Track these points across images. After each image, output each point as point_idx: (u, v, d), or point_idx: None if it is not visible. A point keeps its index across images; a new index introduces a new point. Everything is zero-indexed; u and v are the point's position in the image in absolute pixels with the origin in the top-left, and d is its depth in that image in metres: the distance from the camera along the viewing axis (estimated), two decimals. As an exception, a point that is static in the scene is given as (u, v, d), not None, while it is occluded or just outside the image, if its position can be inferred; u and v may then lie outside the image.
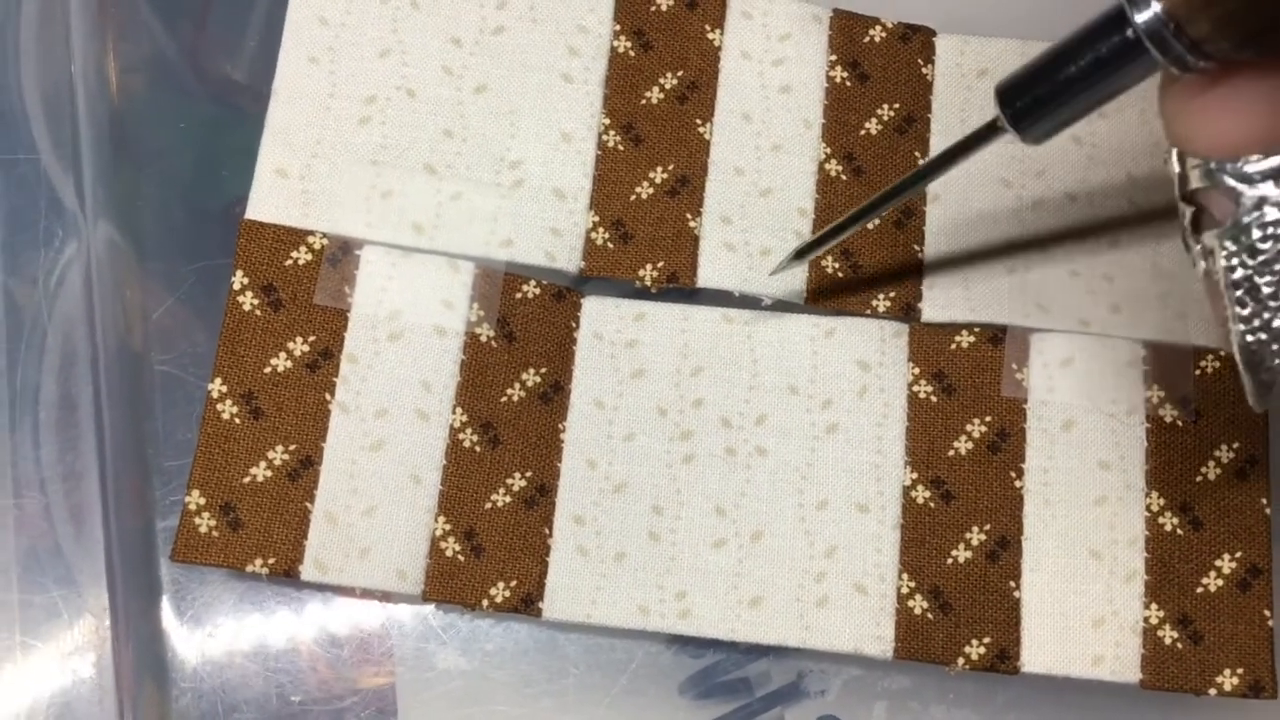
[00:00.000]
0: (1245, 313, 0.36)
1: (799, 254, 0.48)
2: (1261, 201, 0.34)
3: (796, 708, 0.50)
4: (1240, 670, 0.47)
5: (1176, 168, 0.36)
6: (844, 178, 0.52)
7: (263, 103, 0.51)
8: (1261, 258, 0.35)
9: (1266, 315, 0.36)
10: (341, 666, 0.50)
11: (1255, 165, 0.34)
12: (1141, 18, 0.34)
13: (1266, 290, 0.35)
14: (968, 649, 0.48)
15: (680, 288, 0.51)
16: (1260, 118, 0.33)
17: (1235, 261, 0.35)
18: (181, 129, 0.54)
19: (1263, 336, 0.36)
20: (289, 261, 0.49)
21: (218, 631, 0.50)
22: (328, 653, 0.50)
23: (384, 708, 0.49)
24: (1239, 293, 0.36)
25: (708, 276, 0.51)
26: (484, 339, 0.50)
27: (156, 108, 0.55)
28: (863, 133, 0.52)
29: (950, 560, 0.48)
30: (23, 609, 0.48)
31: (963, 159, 0.43)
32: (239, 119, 0.54)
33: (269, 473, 0.48)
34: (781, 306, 0.51)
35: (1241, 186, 0.34)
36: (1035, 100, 0.38)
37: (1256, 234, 0.35)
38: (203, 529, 0.47)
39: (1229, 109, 0.34)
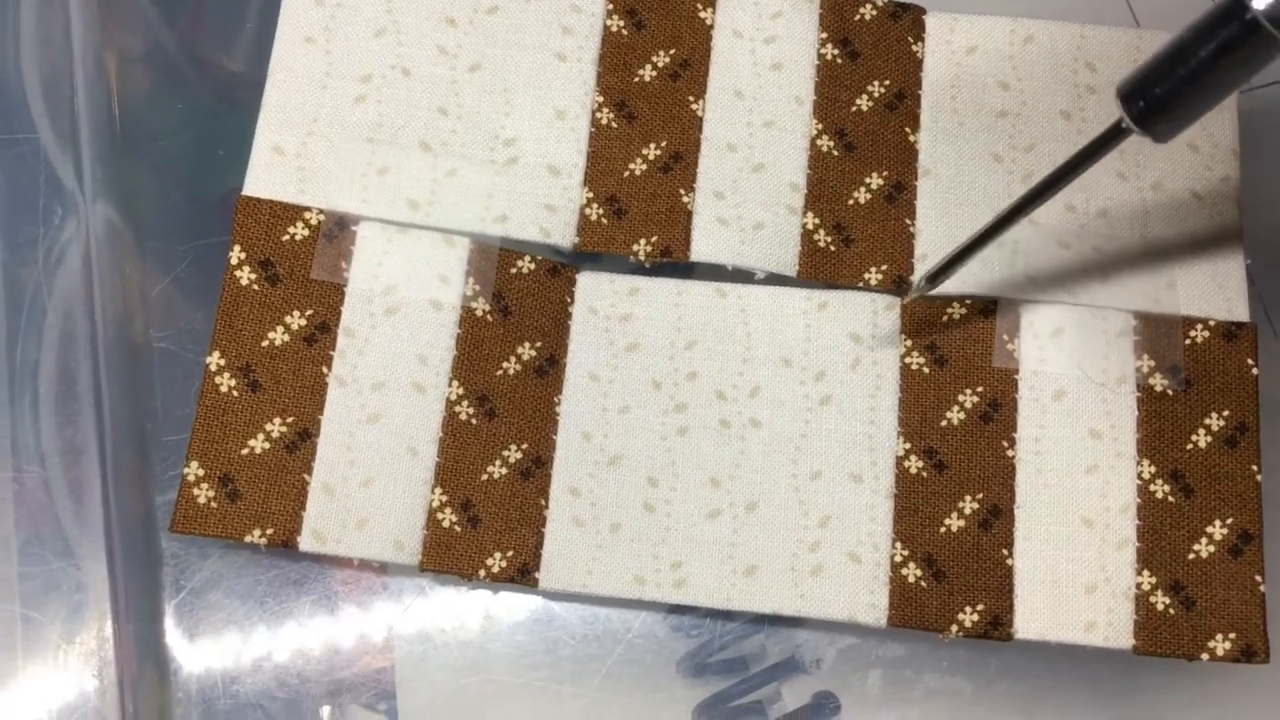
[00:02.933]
0: None
1: (932, 278, 0.48)
2: None
3: (793, 681, 0.51)
4: (1232, 635, 0.47)
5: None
6: (835, 153, 0.52)
7: (258, 90, 0.51)
8: None
9: None
10: (340, 638, 0.50)
11: None
12: (1260, 3, 0.35)
13: None
14: (961, 616, 0.48)
15: (674, 262, 0.51)
16: None
17: None
18: (180, 110, 0.55)
19: None
20: (286, 237, 0.50)
21: (216, 605, 0.50)
22: (326, 625, 0.50)
23: (383, 679, 0.50)
24: None
25: (701, 251, 0.51)
26: (479, 313, 0.50)
27: (154, 93, 0.55)
28: (854, 109, 0.53)
29: (943, 529, 0.49)
30: (22, 581, 0.48)
31: (1089, 165, 0.43)
32: (235, 106, 0.55)
33: (267, 445, 0.48)
34: (774, 280, 0.51)
35: None
36: (1158, 98, 0.39)
37: None
38: (201, 500, 0.47)
39: None
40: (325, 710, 0.49)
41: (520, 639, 0.50)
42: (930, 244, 0.51)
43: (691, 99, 0.53)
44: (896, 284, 0.51)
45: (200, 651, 0.50)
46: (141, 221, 0.53)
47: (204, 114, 0.55)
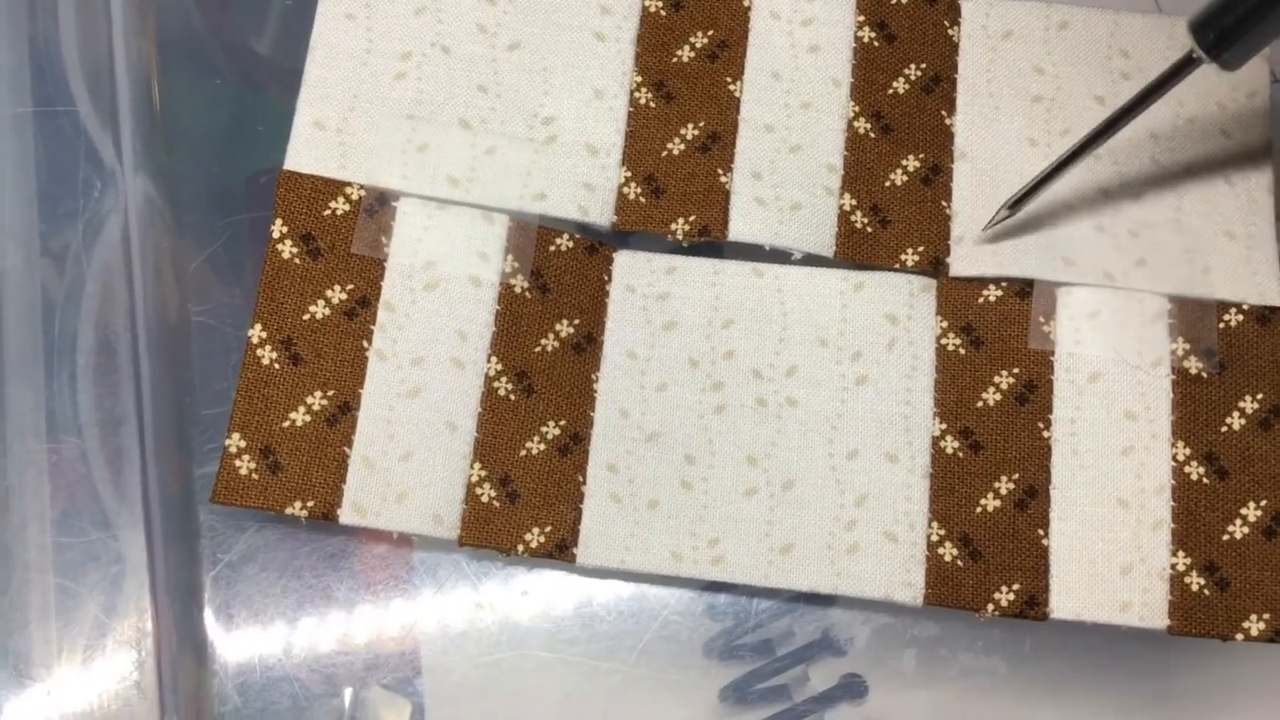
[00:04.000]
0: None
1: (1013, 205, 0.50)
2: None
3: (821, 663, 0.51)
4: (1267, 616, 0.48)
5: None
6: (872, 135, 0.53)
7: (296, 69, 0.52)
8: None
9: None
10: (374, 612, 0.50)
11: None
12: None
13: None
14: (997, 595, 0.48)
15: (711, 241, 0.51)
16: None
17: None
18: (218, 86, 0.55)
19: None
20: (327, 211, 0.50)
21: (252, 579, 0.50)
22: (361, 600, 0.50)
23: (416, 652, 0.50)
24: None
25: (739, 230, 0.51)
26: (518, 290, 0.50)
27: (193, 69, 0.55)
28: (890, 92, 0.53)
29: (979, 509, 0.49)
30: (60, 552, 0.48)
31: (1160, 94, 0.47)
32: (273, 83, 0.55)
33: (308, 418, 0.48)
34: (811, 260, 0.51)
35: None
36: (1228, 27, 0.43)
37: None
38: (243, 471, 0.47)
39: None
40: (348, 693, 0.49)
41: (558, 615, 0.50)
42: (966, 226, 0.52)
43: (729, 80, 0.53)
44: (933, 265, 0.51)
45: (236, 625, 0.50)
46: (179, 196, 0.53)
47: (241, 92, 0.55)
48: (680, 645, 0.50)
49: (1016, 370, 0.50)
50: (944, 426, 0.50)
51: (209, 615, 0.50)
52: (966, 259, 0.51)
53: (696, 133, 0.52)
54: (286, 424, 0.48)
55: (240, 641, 0.50)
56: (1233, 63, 0.44)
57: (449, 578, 0.51)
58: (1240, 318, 0.50)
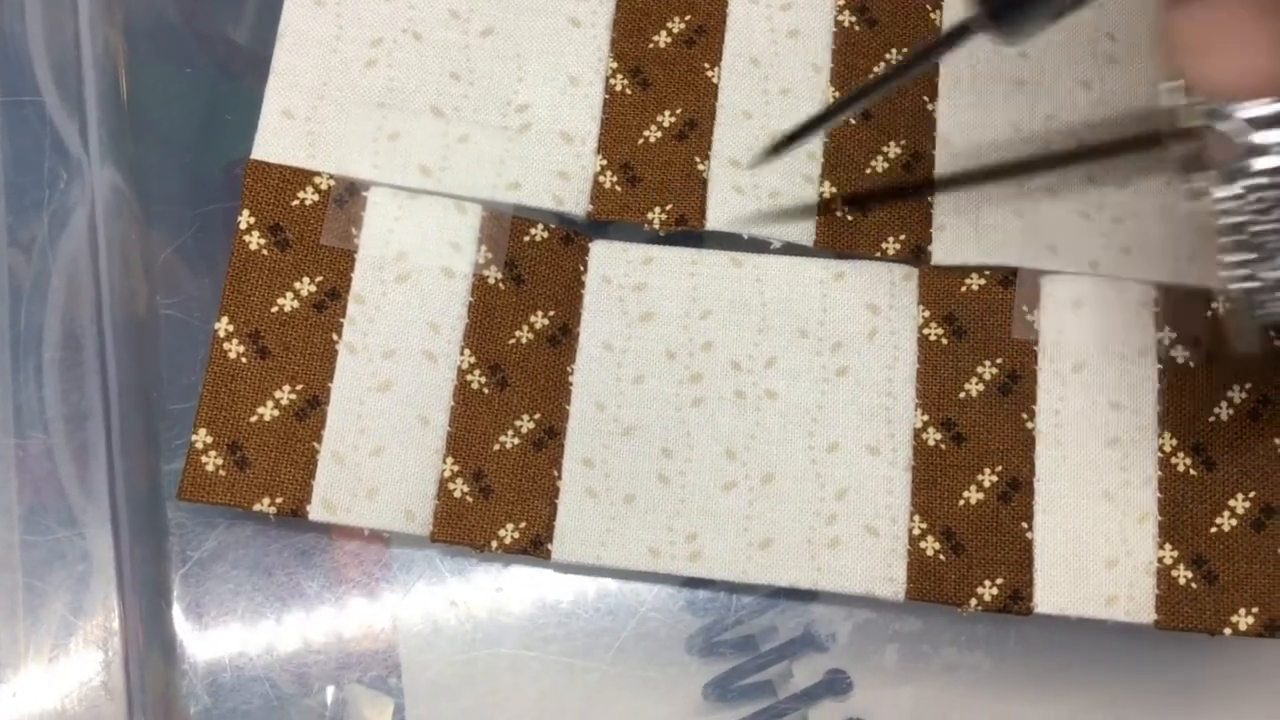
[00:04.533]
0: (1237, 259, 0.35)
1: (774, 149, 0.48)
2: (1263, 148, 0.33)
3: (805, 658, 0.50)
4: (1255, 610, 0.47)
5: (1175, 101, 0.35)
6: (852, 122, 0.52)
7: (265, 58, 0.51)
8: (1257, 205, 0.34)
9: (1257, 262, 0.35)
10: (347, 610, 0.49)
11: (1260, 109, 0.33)
12: None
13: (1258, 239, 0.34)
14: (980, 590, 0.47)
15: (689, 230, 0.50)
16: (1269, 59, 0.31)
17: (1230, 205, 0.34)
18: (187, 75, 0.54)
19: (1255, 284, 0.35)
20: (295, 202, 0.49)
21: (223, 577, 0.49)
22: (333, 598, 0.49)
23: (391, 652, 0.49)
24: (1232, 238, 0.35)
25: (716, 219, 0.50)
26: (492, 281, 0.49)
27: (161, 58, 0.54)
28: (871, 77, 0.52)
29: (962, 502, 0.48)
30: (25, 550, 0.47)
31: (934, 58, 0.45)
32: (243, 72, 0.54)
33: (276, 412, 0.47)
34: (790, 249, 0.51)
35: (1243, 129, 0.33)
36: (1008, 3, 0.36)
37: (1255, 180, 0.34)
38: (209, 467, 0.46)
39: (1243, 47, 0.31)
40: (330, 690, 0.49)
41: (532, 612, 0.50)
42: (948, 213, 0.51)
43: (707, 66, 0.52)
44: (914, 253, 0.50)
45: (206, 623, 0.49)
46: (147, 187, 0.52)
47: (211, 80, 0.54)
48: (659, 642, 0.50)
49: (1000, 360, 0.49)
50: (926, 418, 0.49)
51: (178, 614, 0.49)
52: (948, 247, 0.50)
53: (673, 120, 0.51)
54: (254, 419, 0.47)
55: (210, 641, 0.49)
56: (1014, 34, 0.37)
57: (423, 574, 0.50)
58: (1228, 305, 0.49)
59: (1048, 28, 0.37)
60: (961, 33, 0.39)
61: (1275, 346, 0.49)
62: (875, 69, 0.52)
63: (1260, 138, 0.33)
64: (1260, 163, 0.33)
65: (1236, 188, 0.34)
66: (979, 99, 0.52)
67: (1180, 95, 0.34)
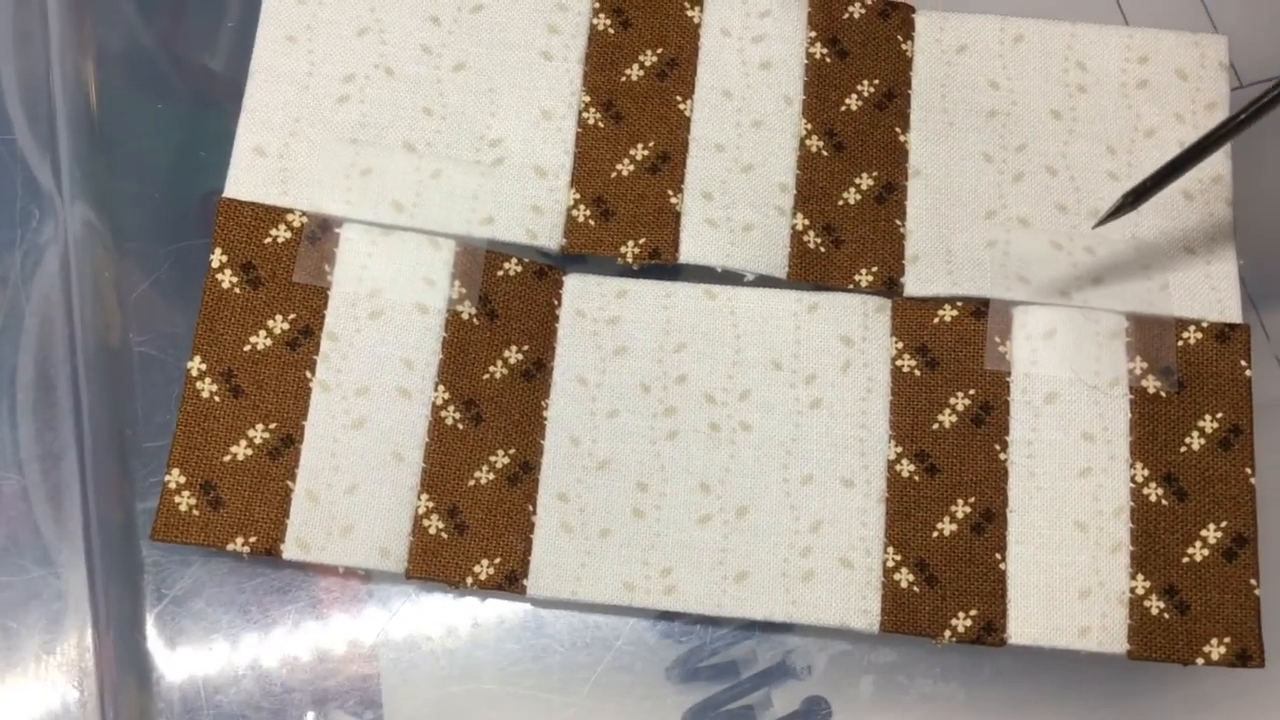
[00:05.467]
0: None
1: (1136, 198, 0.47)
2: None
3: (783, 686, 0.50)
4: (1227, 639, 0.47)
5: None
6: (825, 153, 0.52)
7: (239, 91, 0.51)
8: None
9: None
10: (325, 646, 0.49)
11: None
12: None
13: None
14: (954, 621, 0.47)
15: (662, 264, 0.51)
16: None
17: None
18: (160, 110, 0.54)
19: None
20: (268, 239, 0.49)
21: (199, 614, 0.49)
22: (311, 633, 0.49)
23: (368, 687, 0.49)
24: None
25: (690, 252, 0.50)
26: (465, 316, 0.49)
27: (134, 93, 0.54)
28: (843, 108, 0.52)
29: (936, 533, 0.48)
30: (1, 590, 0.47)
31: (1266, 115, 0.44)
32: (216, 106, 0.54)
33: (249, 451, 0.47)
34: (764, 282, 0.51)
35: None
36: None
37: None
38: (183, 507, 0.46)
39: None
40: (310, 717, 0.49)
41: (508, 647, 0.50)
42: (921, 244, 0.51)
43: (679, 99, 0.52)
44: (887, 285, 0.51)
45: (182, 661, 0.49)
46: (121, 223, 0.52)
47: (184, 115, 0.54)
48: (635, 675, 0.50)
49: (973, 391, 0.50)
50: (900, 449, 0.49)
51: (154, 651, 0.49)
52: (921, 279, 0.50)
53: (646, 153, 0.51)
54: (227, 458, 0.47)
55: (186, 678, 0.49)
56: None
57: (400, 609, 0.50)
58: (1199, 335, 0.50)
59: None
60: None
61: (1246, 376, 0.49)
62: (847, 100, 0.52)
63: None
64: None
65: None
66: (951, 129, 0.52)
67: None
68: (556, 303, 0.51)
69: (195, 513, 0.46)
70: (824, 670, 0.50)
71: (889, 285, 0.51)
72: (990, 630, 0.47)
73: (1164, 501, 0.48)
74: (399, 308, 0.49)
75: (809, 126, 0.52)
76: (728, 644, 0.50)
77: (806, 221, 0.51)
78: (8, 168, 0.51)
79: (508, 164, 0.51)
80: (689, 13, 0.53)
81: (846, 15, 0.53)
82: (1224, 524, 0.48)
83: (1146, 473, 0.49)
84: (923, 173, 0.52)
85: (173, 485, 0.46)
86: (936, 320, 0.50)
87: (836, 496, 0.49)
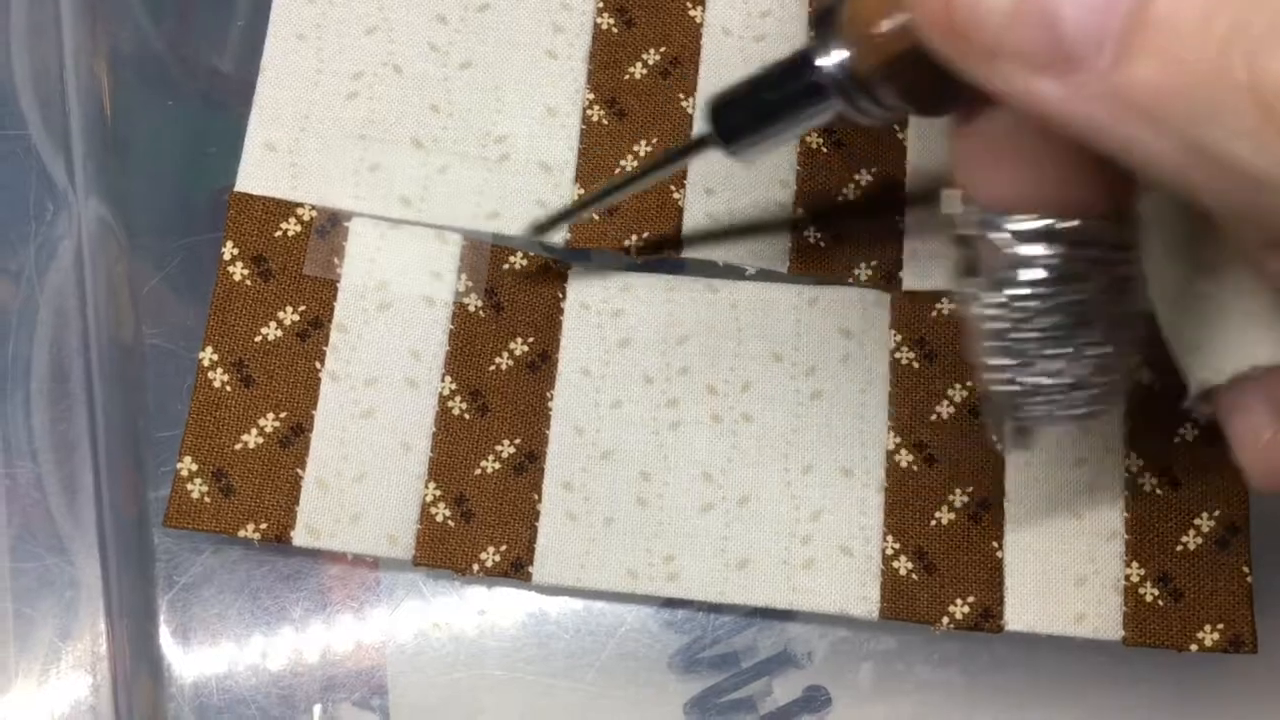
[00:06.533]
0: (997, 363, 0.36)
1: (540, 229, 0.49)
2: (1027, 260, 0.34)
3: (784, 675, 0.51)
4: (1220, 626, 0.48)
5: (953, 208, 0.36)
6: (825, 150, 0.53)
7: (249, 89, 0.52)
8: (1019, 314, 0.35)
9: (1018, 368, 0.36)
10: (333, 633, 0.50)
11: (1026, 224, 0.34)
12: (824, 64, 0.35)
13: (1020, 346, 0.36)
14: (952, 609, 0.48)
15: (665, 258, 0.51)
16: (1037, 177, 0.33)
17: (994, 312, 0.35)
18: (171, 107, 0.55)
19: (1014, 388, 0.37)
20: (278, 233, 0.50)
21: (209, 601, 0.50)
22: (319, 621, 0.50)
23: (376, 674, 0.50)
24: (994, 343, 0.36)
25: (692, 247, 0.51)
26: (472, 309, 0.50)
27: (146, 90, 0.55)
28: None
29: (934, 522, 0.49)
30: (15, 577, 0.48)
31: (675, 167, 0.46)
32: (226, 104, 0.55)
33: (260, 440, 0.48)
34: (765, 276, 0.52)
35: (1010, 241, 0.34)
36: (741, 120, 0.40)
37: (1017, 290, 0.35)
38: (195, 495, 0.47)
39: (1017, 163, 0.33)
40: (317, 709, 0.49)
41: (513, 633, 0.50)
42: (919, 239, 0.52)
43: (682, 96, 0.53)
44: (886, 280, 0.51)
45: (193, 647, 0.50)
46: (133, 218, 0.53)
47: (194, 113, 0.55)
48: (639, 662, 0.51)
49: (970, 383, 0.50)
50: (898, 440, 0.50)
51: (165, 638, 0.50)
52: (919, 273, 0.51)
53: (650, 150, 0.52)
54: (239, 446, 0.48)
55: (197, 664, 0.50)
56: (741, 153, 0.40)
57: (407, 597, 0.51)
58: None
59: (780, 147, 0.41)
60: (698, 145, 0.42)
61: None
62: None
63: (1025, 250, 0.34)
64: (1024, 274, 0.35)
65: (1001, 295, 0.35)
66: (949, 126, 0.53)
67: (958, 203, 0.36)
68: (561, 296, 0.51)
69: (207, 500, 0.47)
70: (824, 657, 0.51)
71: (888, 279, 0.52)
72: (987, 617, 0.48)
73: (1158, 491, 0.49)
74: (407, 300, 0.50)
75: (810, 122, 0.53)
76: (729, 633, 0.51)
77: (806, 217, 0.52)
78: (22, 164, 0.52)
79: (513, 160, 0.52)
80: (691, 12, 0.54)
81: (846, 15, 0.54)
82: (1217, 512, 0.49)
83: (1141, 463, 0.49)
84: (921, 169, 0.53)
85: (185, 473, 0.47)
86: (934, 313, 0.51)
87: (836, 486, 0.50)
